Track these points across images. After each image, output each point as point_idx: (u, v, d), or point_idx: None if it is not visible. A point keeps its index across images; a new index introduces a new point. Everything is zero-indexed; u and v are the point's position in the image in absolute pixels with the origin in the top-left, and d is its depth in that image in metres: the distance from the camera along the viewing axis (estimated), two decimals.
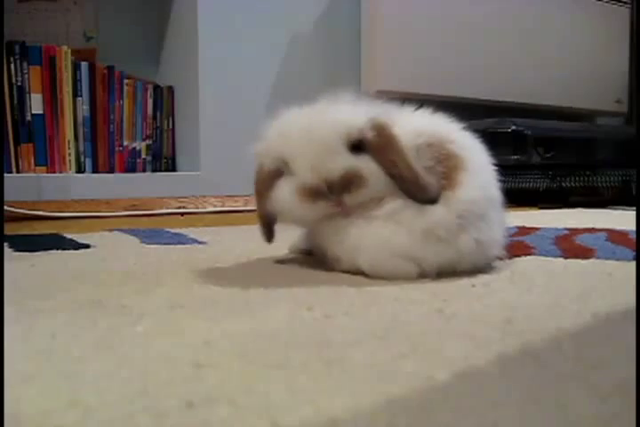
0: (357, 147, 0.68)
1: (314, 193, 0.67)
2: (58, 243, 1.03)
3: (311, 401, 0.34)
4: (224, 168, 1.94)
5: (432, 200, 0.67)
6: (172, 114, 2.11)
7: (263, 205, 0.74)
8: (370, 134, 0.69)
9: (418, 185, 0.67)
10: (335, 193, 0.67)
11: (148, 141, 2.07)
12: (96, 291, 0.64)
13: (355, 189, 0.67)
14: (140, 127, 2.05)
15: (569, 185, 2.03)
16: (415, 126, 0.73)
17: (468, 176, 0.69)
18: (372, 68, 2.10)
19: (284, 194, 0.69)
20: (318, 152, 0.67)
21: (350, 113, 0.70)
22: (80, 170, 1.93)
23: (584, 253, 0.87)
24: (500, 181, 0.76)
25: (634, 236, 1.04)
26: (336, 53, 2.21)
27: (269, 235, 0.78)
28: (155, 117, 2.08)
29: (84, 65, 1.93)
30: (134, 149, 2.04)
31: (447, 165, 0.69)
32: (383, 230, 0.68)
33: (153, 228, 1.29)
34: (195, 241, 1.06)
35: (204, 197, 1.93)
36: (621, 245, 0.93)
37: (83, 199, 1.76)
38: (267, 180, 0.72)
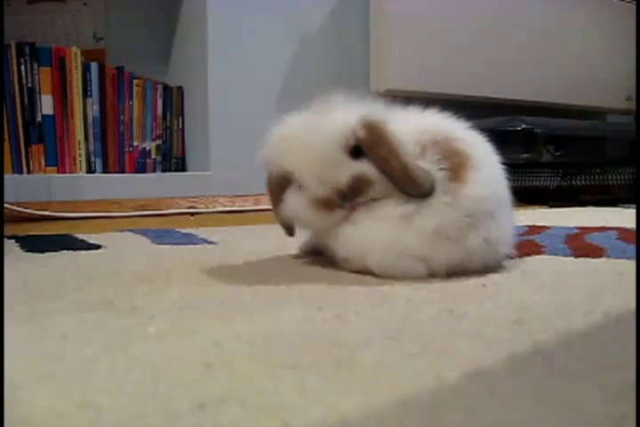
0: (358, 149, 0.69)
1: (327, 204, 0.69)
2: (69, 243, 1.03)
3: (322, 401, 0.34)
4: (234, 168, 1.94)
5: (426, 194, 0.67)
6: (181, 114, 2.12)
7: (278, 211, 0.76)
8: (361, 133, 0.69)
9: (409, 179, 0.67)
10: (347, 200, 0.68)
11: (158, 142, 2.07)
12: (107, 291, 0.65)
13: (365, 193, 0.68)
14: (149, 127, 2.05)
15: (580, 183, 2.02)
16: (420, 124, 0.73)
17: (475, 174, 0.68)
18: (381, 67, 2.09)
19: (299, 207, 0.71)
20: (321, 164, 0.68)
21: (343, 116, 0.70)
22: (90, 170, 1.93)
23: (595, 252, 0.87)
24: (511, 179, 0.75)
25: None
26: (345, 53, 2.21)
27: (290, 232, 0.81)
28: (164, 118, 2.08)
29: (93, 66, 1.93)
30: (144, 149, 2.04)
31: (453, 162, 0.69)
32: (392, 231, 0.67)
33: (163, 228, 1.29)
34: (205, 241, 1.06)
35: (214, 196, 1.94)
36: (632, 244, 0.93)
37: (93, 200, 1.76)
38: (277, 187, 0.74)
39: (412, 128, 0.71)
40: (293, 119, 0.74)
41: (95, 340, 0.46)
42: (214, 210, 1.88)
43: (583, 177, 2.02)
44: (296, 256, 0.87)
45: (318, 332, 0.48)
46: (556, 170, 2.03)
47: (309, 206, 0.70)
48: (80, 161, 1.92)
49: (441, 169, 0.68)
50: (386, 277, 0.68)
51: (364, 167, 0.68)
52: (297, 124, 0.73)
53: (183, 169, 2.13)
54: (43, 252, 0.93)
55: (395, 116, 0.74)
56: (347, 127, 0.69)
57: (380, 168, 0.68)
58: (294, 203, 0.71)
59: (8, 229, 1.24)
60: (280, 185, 0.73)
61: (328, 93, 0.73)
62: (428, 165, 0.68)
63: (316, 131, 0.70)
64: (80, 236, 1.14)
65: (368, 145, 0.69)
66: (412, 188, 0.68)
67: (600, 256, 0.84)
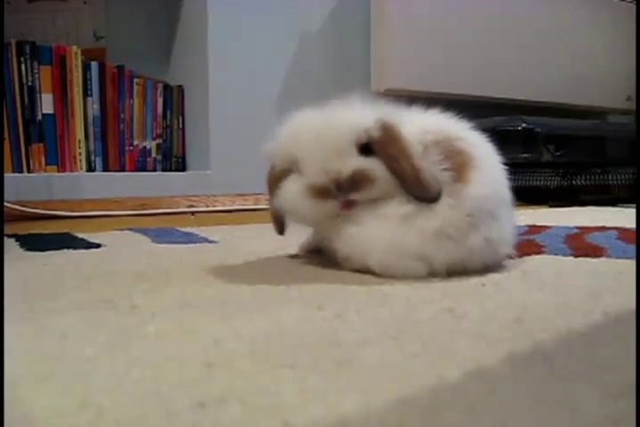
0: (367, 148, 0.69)
1: (322, 192, 0.68)
2: (69, 242, 1.03)
3: (322, 401, 0.34)
4: (234, 167, 1.94)
5: (433, 199, 0.67)
6: (182, 113, 2.12)
7: (273, 202, 0.76)
8: (376, 133, 0.69)
9: (419, 183, 0.67)
10: (343, 192, 0.68)
11: (159, 140, 2.07)
12: (107, 290, 0.65)
13: (363, 189, 0.68)
14: (150, 126, 2.05)
15: (580, 183, 2.02)
16: (423, 124, 0.73)
17: (477, 174, 0.69)
18: (381, 67, 2.09)
19: (292, 192, 0.71)
20: (328, 153, 0.68)
21: (359, 114, 0.70)
22: (90, 169, 1.94)
23: (595, 251, 0.87)
24: (511, 179, 0.76)
25: None
26: (346, 52, 2.21)
27: (281, 228, 0.80)
28: (165, 117, 2.08)
29: (94, 64, 1.94)
30: (144, 148, 2.04)
31: (456, 162, 0.69)
32: (393, 230, 0.68)
33: (163, 227, 1.29)
34: (205, 240, 1.06)
35: (215, 196, 1.94)
36: (632, 244, 0.93)
37: (93, 198, 1.76)
38: (277, 179, 0.73)
39: (415, 128, 0.71)
40: (305, 114, 0.74)
41: (95, 339, 0.46)
42: (214, 209, 1.88)
43: (583, 177, 2.02)
44: (296, 256, 0.87)
45: (318, 331, 0.48)
46: (556, 170, 2.03)
47: (303, 193, 0.69)
48: (80, 160, 1.92)
49: (443, 169, 0.68)
50: (386, 277, 0.68)
51: (369, 163, 0.68)
52: (310, 118, 0.73)
53: (183, 168, 2.13)
54: (43, 250, 0.93)
55: (405, 118, 0.74)
56: (361, 124, 0.69)
57: (390, 168, 0.68)
58: (289, 189, 0.71)
59: (8, 228, 1.24)
60: (281, 177, 0.73)
61: (343, 93, 0.73)
62: (430, 165, 0.69)
63: (331, 123, 0.70)
64: (80, 235, 1.14)
65: (381, 145, 0.69)
66: (421, 191, 0.68)
67: (600, 256, 0.84)
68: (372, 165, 0.68)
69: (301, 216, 0.74)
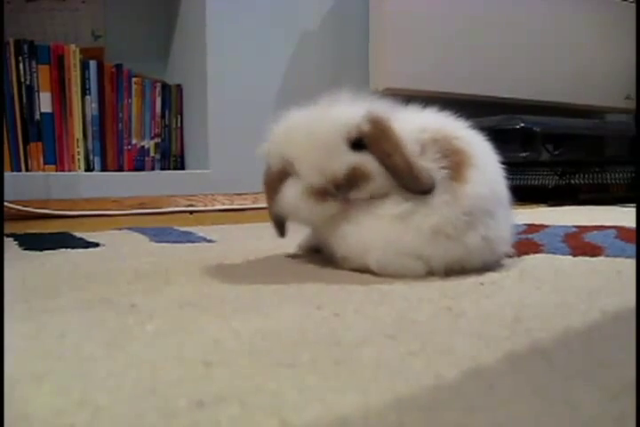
0: (359, 144, 0.69)
1: (321, 193, 0.68)
2: (67, 241, 1.03)
3: (321, 400, 0.34)
4: (233, 166, 1.94)
5: (426, 191, 0.67)
6: (180, 112, 2.11)
7: (273, 206, 0.75)
8: (366, 127, 0.69)
9: (411, 175, 0.67)
10: (342, 191, 0.68)
11: (157, 140, 2.07)
12: (106, 290, 0.65)
13: (360, 185, 0.68)
14: (148, 126, 2.05)
15: (578, 182, 2.02)
16: (420, 123, 0.73)
17: (475, 172, 0.69)
18: (380, 66, 2.09)
19: (292, 196, 0.70)
20: (321, 153, 0.68)
21: (348, 111, 0.70)
22: (89, 168, 1.93)
23: (593, 250, 0.87)
24: (509, 178, 0.76)
25: None
26: (344, 52, 2.20)
27: (282, 231, 0.80)
28: (163, 116, 2.08)
29: (92, 64, 1.93)
30: (143, 147, 2.04)
31: (453, 160, 0.69)
32: (391, 229, 0.68)
33: (162, 226, 1.29)
34: (204, 239, 1.06)
35: (213, 195, 1.94)
36: (631, 243, 0.93)
37: (91, 198, 1.76)
38: (275, 181, 0.73)
39: (412, 127, 0.71)
40: (296, 113, 0.74)
41: (94, 338, 0.46)
42: (213, 208, 1.88)
43: (582, 176, 2.02)
44: (295, 255, 0.87)
45: (317, 330, 0.48)
46: (554, 169, 2.03)
47: (304, 195, 0.69)
48: (78, 159, 1.92)
49: (441, 168, 0.68)
50: (384, 276, 0.68)
51: (363, 159, 0.68)
52: (301, 116, 0.73)
53: (182, 167, 2.13)
54: (41, 250, 0.93)
55: (397, 114, 0.74)
56: (351, 120, 0.69)
57: (382, 162, 0.68)
58: (289, 192, 0.71)
59: (6, 227, 1.24)
60: (279, 179, 0.73)
61: (332, 91, 0.73)
62: (428, 164, 0.69)
63: (320, 121, 0.70)
64: (78, 234, 1.14)
65: (372, 139, 0.69)
66: (414, 183, 0.68)
67: (598, 255, 0.84)
68: (366, 161, 0.68)
69: (304, 219, 0.74)
